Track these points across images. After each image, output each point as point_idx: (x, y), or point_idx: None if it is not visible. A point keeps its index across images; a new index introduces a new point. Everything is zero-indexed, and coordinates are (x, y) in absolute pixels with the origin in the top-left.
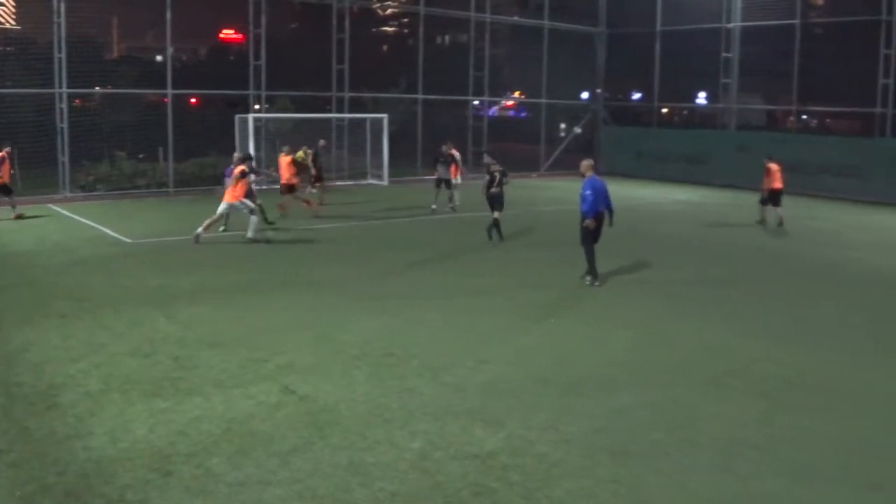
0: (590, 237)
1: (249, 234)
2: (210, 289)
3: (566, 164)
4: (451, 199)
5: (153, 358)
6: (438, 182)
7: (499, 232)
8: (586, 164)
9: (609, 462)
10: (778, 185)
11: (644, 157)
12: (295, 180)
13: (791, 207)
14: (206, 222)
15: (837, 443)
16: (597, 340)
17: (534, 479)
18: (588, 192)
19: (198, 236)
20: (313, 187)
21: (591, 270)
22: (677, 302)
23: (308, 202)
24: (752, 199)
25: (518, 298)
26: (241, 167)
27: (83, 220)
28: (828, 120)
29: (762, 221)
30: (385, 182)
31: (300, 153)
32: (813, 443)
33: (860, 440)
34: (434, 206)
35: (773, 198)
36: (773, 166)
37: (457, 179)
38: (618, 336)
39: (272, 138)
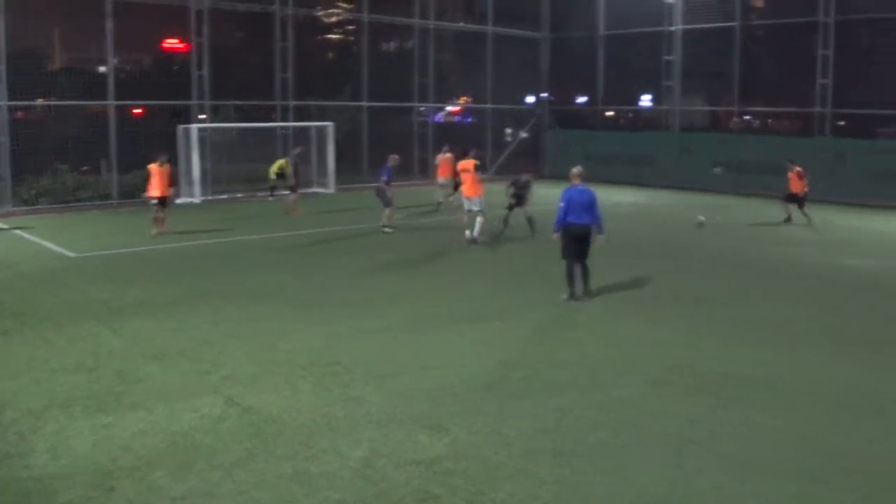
0: (566, 252)
1: (476, 234)
2: (154, 301)
3: (513, 169)
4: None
5: (96, 373)
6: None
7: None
8: (573, 171)
9: (552, 463)
10: (795, 189)
11: (590, 160)
12: (169, 192)
13: (735, 207)
14: (477, 227)
15: (782, 436)
16: (541, 342)
17: (477, 483)
18: (562, 203)
19: (474, 240)
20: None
21: (565, 284)
22: (620, 302)
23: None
24: (696, 199)
25: (463, 303)
26: (473, 161)
27: (26, 234)
28: (769, 120)
29: (809, 221)
30: (332, 190)
31: (281, 162)
32: (758, 437)
33: (804, 434)
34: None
35: (796, 200)
36: (800, 169)
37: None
38: (562, 337)
39: (217, 148)
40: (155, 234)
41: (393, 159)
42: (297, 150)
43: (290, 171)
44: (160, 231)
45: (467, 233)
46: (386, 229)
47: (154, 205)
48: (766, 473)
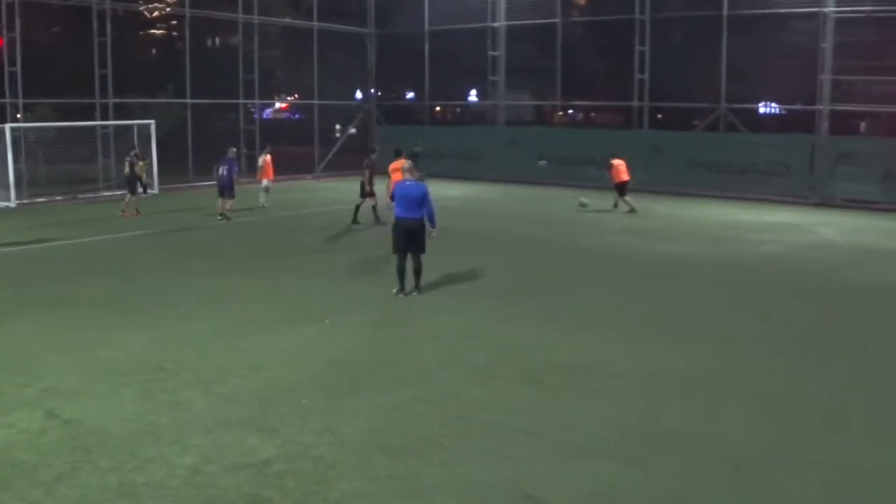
0: (397, 246)
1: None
2: None
3: (341, 165)
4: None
5: None
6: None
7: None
8: (405, 166)
9: (385, 459)
10: (624, 177)
11: (419, 155)
12: None
13: (556, 198)
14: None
15: (604, 420)
16: (370, 339)
17: (310, 484)
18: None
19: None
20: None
21: (396, 278)
22: (447, 296)
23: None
24: (522, 192)
25: (291, 302)
26: (403, 161)
27: None
28: (592, 114)
29: (632, 210)
30: (155, 190)
31: (141, 164)
32: (580, 423)
33: (625, 417)
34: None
35: (619, 189)
36: (617, 162)
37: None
38: (390, 333)
39: (34, 149)
40: None
41: (233, 151)
42: (135, 151)
43: (128, 171)
44: None
45: None
46: (225, 218)
47: None
48: (590, 457)
